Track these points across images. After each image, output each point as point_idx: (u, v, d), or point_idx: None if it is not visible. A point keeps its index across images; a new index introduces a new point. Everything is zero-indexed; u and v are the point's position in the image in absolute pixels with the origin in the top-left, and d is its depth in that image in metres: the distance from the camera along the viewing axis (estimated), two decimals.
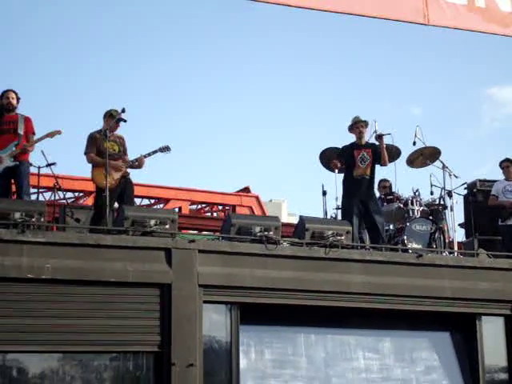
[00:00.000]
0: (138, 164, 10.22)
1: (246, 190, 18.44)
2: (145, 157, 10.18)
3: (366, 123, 10.81)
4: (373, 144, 10.87)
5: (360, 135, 10.78)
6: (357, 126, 10.79)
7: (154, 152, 10.19)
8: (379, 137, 10.79)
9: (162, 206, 16.96)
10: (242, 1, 13.10)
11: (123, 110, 9.91)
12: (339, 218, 11.13)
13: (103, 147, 9.86)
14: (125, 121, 10.10)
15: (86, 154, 10.07)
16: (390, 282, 9.55)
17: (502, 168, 11.73)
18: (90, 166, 10.01)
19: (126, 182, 10.09)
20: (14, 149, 9.76)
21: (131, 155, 10.25)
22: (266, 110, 52.82)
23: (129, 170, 10.17)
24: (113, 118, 10.07)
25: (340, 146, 11.32)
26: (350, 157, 10.77)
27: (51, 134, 9.85)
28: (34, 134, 9.91)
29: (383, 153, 10.72)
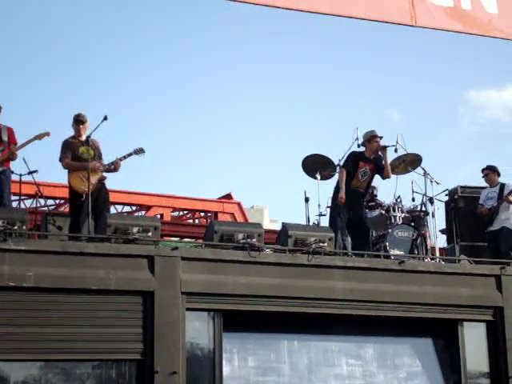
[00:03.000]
0: (114, 167, 10.15)
1: (228, 196, 18.43)
2: (120, 160, 10.13)
3: (381, 138, 10.92)
4: (377, 158, 10.94)
5: (375, 149, 10.83)
6: (375, 140, 10.84)
7: (129, 155, 10.15)
8: (383, 148, 10.85)
9: (143, 212, 16.92)
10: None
11: (105, 118, 9.90)
12: (322, 224, 11.17)
13: (78, 152, 9.87)
14: (83, 122, 10.07)
15: (60, 160, 10.01)
16: (373, 288, 9.58)
17: (483, 176, 11.77)
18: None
19: (100, 189, 10.00)
20: None
21: (110, 160, 10.24)
22: (247, 117, 52.86)
23: (105, 175, 10.11)
24: (76, 124, 10.06)
25: (321, 153, 11.39)
26: (354, 166, 10.82)
27: (40, 137, 9.82)
28: (16, 144, 9.87)
29: (386, 165, 10.82)
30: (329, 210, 11.36)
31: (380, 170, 10.87)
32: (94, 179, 9.86)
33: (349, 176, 10.81)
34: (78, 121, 10.08)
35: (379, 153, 10.94)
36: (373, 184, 11.89)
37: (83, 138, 10.06)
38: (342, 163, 11.23)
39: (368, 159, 10.90)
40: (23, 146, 9.84)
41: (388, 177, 10.96)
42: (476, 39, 11.56)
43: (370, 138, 10.93)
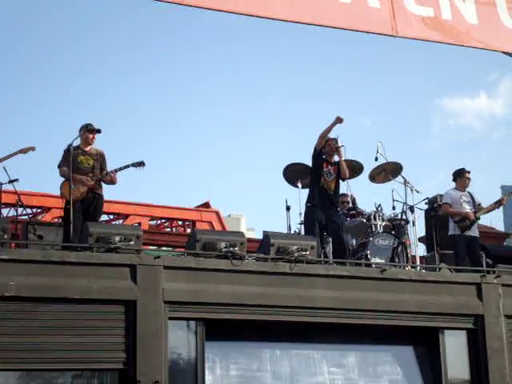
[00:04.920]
0: (109, 179, 10.17)
1: (206, 205, 18.43)
2: (116, 171, 10.14)
3: (335, 140, 10.90)
4: (337, 162, 10.96)
5: (331, 152, 10.85)
6: (328, 143, 10.87)
7: (126, 167, 10.15)
8: (336, 149, 10.86)
9: (121, 221, 16.88)
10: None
11: (99, 131, 10.10)
12: (303, 233, 11.17)
13: (77, 161, 9.92)
14: (99, 131, 10.15)
15: (59, 167, 10.07)
16: (354, 296, 9.59)
17: (462, 177, 11.62)
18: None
19: (94, 197, 10.04)
20: None
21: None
22: (224, 125, 53.01)
23: (100, 185, 10.15)
24: (88, 131, 10.11)
25: (302, 162, 11.41)
26: (319, 165, 10.84)
27: (24, 151, 9.80)
28: None
29: (342, 165, 10.83)
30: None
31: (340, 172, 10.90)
32: (83, 189, 9.91)
33: (317, 176, 10.83)
34: (91, 130, 10.11)
35: (336, 155, 10.95)
36: (352, 193, 11.95)
37: (88, 147, 10.08)
38: None
39: (330, 162, 10.93)
40: (6, 158, 9.80)
41: (344, 176, 10.93)
42: (449, 48, 11.66)
43: (324, 142, 10.93)
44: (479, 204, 11.53)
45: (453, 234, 11.39)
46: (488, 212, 11.58)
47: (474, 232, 11.36)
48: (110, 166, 10.28)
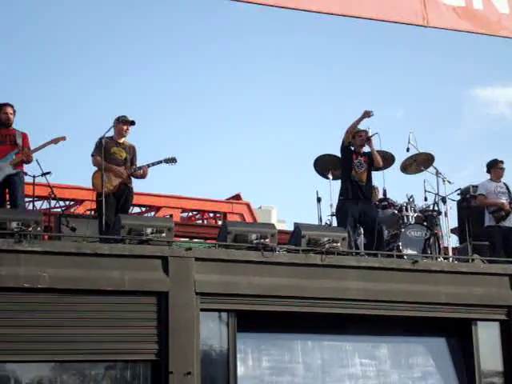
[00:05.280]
0: (141, 173, 10.21)
1: (237, 197, 18.43)
2: (148, 166, 10.19)
3: (365, 132, 10.88)
4: (367, 152, 10.94)
5: (361, 143, 10.84)
6: (359, 134, 10.85)
7: (159, 162, 10.22)
8: (367, 139, 10.84)
9: (153, 213, 16.94)
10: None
11: (133, 123, 10.16)
12: (334, 224, 11.14)
13: (110, 152, 9.94)
14: (133, 123, 10.18)
15: (92, 155, 10.10)
16: (386, 288, 9.57)
17: (496, 168, 11.61)
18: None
19: (126, 189, 10.06)
20: (14, 157, 9.75)
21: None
22: (255, 117, 52.83)
23: (133, 179, 10.20)
24: (122, 123, 10.13)
25: (333, 153, 11.37)
26: (349, 159, 10.83)
27: (55, 141, 9.86)
28: (29, 148, 9.91)
29: (373, 154, 10.81)
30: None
31: (372, 162, 10.89)
32: (116, 181, 9.94)
33: (348, 169, 10.84)
34: (125, 122, 10.14)
35: (366, 145, 10.94)
36: (384, 184, 11.89)
37: (121, 139, 10.14)
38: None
39: (359, 153, 10.92)
40: (39, 149, 9.88)
41: (378, 165, 10.94)
42: (481, 36, 11.57)
43: (354, 133, 10.91)
44: None
45: (488, 225, 11.38)
46: None
47: (510, 223, 11.30)
48: (140, 160, 10.35)
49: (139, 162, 10.29)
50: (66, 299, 8.30)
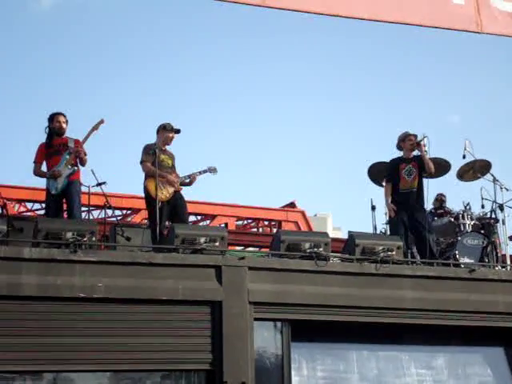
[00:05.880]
0: (189, 182, 10.28)
1: (292, 204, 18.42)
2: (196, 175, 10.29)
3: (415, 136, 10.75)
4: (417, 156, 10.79)
5: (411, 148, 10.71)
6: (409, 138, 10.73)
7: (204, 171, 10.35)
8: (418, 144, 10.71)
9: (208, 222, 17.01)
10: None
11: (178, 131, 10.12)
12: (388, 233, 11.04)
13: (159, 159, 9.90)
14: (179, 131, 10.19)
15: (141, 162, 10.07)
16: (442, 297, 9.45)
17: None
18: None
19: (178, 197, 10.07)
20: (67, 157, 9.86)
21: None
22: (311, 123, 52.80)
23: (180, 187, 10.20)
24: (167, 131, 10.14)
25: (386, 160, 11.28)
26: (395, 170, 10.72)
27: (96, 127, 9.92)
28: (85, 154, 10.00)
29: (425, 159, 10.63)
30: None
31: (423, 166, 10.69)
32: (171, 189, 9.98)
33: (395, 182, 10.69)
34: (171, 130, 10.16)
35: (416, 150, 10.76)
36: (441, 191, 11.74)
37: (164, 147, 10.18)
38: None
39: (407, 159, 10.76)
40: (85, 139, 9.95)
41: (430, 171, 10.67)
42: None
43: (404, 138, 10.80)
44: None
45: None
46: None
47: None
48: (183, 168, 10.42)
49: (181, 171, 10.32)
50: (120, 309, 8.34)
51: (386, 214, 11.26)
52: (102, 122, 9.95)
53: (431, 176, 10.92)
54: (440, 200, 12.14)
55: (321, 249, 9.17)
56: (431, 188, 11.64)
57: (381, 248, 9.39)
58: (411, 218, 10.49)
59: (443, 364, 9.66)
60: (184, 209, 10.14)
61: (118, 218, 14.94)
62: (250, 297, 8.71)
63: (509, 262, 11.17)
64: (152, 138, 10.27)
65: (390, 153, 11.02)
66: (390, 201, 10.68)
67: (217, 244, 8.91)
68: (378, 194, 11.50)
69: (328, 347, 9.26)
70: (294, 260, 9.12)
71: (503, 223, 11.35)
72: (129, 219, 15.84)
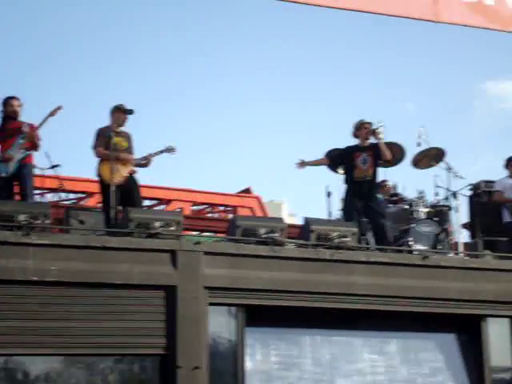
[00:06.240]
0: (145, 163, 10.13)
1: (247, 190, 18.40)
2: (151, 156, 10.10)
3: (370, 124, 10.75)
4: (373, 144, 10.80)
5: (366, 136, 10.72)
6: (364, 126, 10.74)
7: (161, 152, 10.11)
8: (373, 132, 10.70)
9: (163, 207, 16.93)
10: None
11: (131, 112, 9.93)
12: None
13: (112, 141, 9.70)
14: (131, 112, 9.97)
15: (93, 148, 9.91)
16: (396, 283, 9.52)
17: (508, 164, 11.63)
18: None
19: (131, 181, 9.93)
20: (21, 141, 9.73)
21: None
22: (266, 111, 52.81)
23: (135, 169, 10.05)
24: (120, 112, 9.99)
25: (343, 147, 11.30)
26: (350, 159, 10.74)
27: (53, 113, 9.78)
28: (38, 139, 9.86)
29: (381, 147, 10.61)
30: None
31: (380, 154, 10.69)
32: (124, 171, 9.81)
33: (350, 170, 10.73)
34: (124, 110, 9.96)
35: (372, 138, 10.76)
36: (394, 179, 11.82)
37: (118, 128, 9.99)
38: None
39: (363, 147, 10.75)
40: (41, 125, 9.81)
41: (386, 158, 10.67)
42: (491, 31, 11.50)
43: (359, 126, 10.79)
44: None
45: (507, 222, 11.40)
46: None
47: None
48: (141, 149, 10.24)
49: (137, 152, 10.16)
50: (74, 292, 8.27)
51: (341, 200, 11.30)
52: (59, 108, 9.80)
53: (388, 163, 10.97)
54: (387, 186, 12.16)
55: (276, 234, 9.18)
56: (387, 176, 11.78)
57: (336, 234, 9.43)
58: (366, 205, 10.53)
59: (396, 349, 9.75)
60: (137, 192, 10.02)
61: (72, 201, 14.80)
62: (204, 282, 8.69)
63: (461, 249, 11.30)
64: (107, 121, 10.14)
65: (345, 140, 11.02)
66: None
67: (172, 228, 8.86)
68: (334, 181, 11.54)
69: (282, 332, 9.28)
70: (249, 245, 9.11)
71: (456, 211, 11.47)
72: (82, 203, 15.69)
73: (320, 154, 11.44)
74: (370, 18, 10.94)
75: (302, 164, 10.93)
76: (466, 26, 11.01)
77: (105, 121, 10.08)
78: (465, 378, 9.83)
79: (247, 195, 18.02)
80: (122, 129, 10.07)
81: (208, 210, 18.37)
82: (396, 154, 11.21)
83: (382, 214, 10.63)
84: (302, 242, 9.52)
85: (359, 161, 10.64)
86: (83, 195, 15.86)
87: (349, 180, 10.73)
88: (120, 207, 9.58)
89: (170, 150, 10.15)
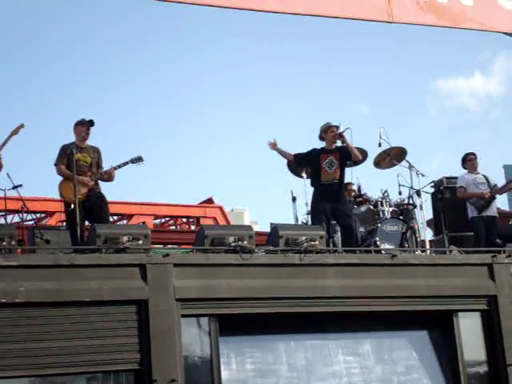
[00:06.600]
0: (107, 176, 9.98)
1: (210, 200, 18.39)
2: (115, 168, 9.93)
3: (337, 127, 10.81)
4: (339, 147, 10.84)
5: (333, 139, 10.76)
6: (331, 129, 10.77)
7: (125, 163, 9.95)
8: (340, 136, 10.75)
9: (125, 221, 16.82)
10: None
11: (91, 123, 9.81)
12: (310, 223, 11.10)
13: (74, 158, 9.60)
14: (92, 123, 9.84)
15: (55, 165, 9.85)
16: (366, 283, 9.54)
17: (467, 161, 11.81)
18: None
19: (94, 197, 9.84)
20: None
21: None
22: (223, 119, 52.94)
23: (100, 183, 9.98)
24: (80, 125, 9.88)
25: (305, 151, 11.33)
26: (316, 162, 10.75)
27: (15, 132, 9.65)
28: None
29: (351, 148, 10.66)
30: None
31: (347, 156, 10.75)
32: (83, 190, 9.72)
33: (316, 174, 10.76)
34: (83, 123, 9.87)
35: (339, 141, 10.82)
36: (357, 180, 11.87)
37: (84, 144, 9.89)
38: None
39: (329, 150, 10.80)
40: (3, 145, 9.67)
41: (356, 158, 10.76)
42: (440, 29, 11.60)
43: (326, 129, 10.85)
44: (495, 185, 11.74)
45: (472, 217, 11.53)
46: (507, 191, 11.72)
47: (492, 212, 11.52)
48: (108, 163, 10.12)
49: (108, 164, 10.07)
50: (44, 312, 8.18)
51: (306, 204, 11.33)
52: (21, 126, 9.69)
53: (354, 164, 11.03)
54: (352, 189, 12.21)
55: (245, 242, 9.15)
56: (349, 177, 11.79)
57: (304, 238, 9.43)
58: (334, 208, 10.56)
59: (369, 350, 9.76)
60: (101, 208, 9.91)
61: (34, 221, 14.66)
62: (176, 294, 8.64)
63: (428, 246, 11.38)
64: (71, 138, 10.04)
65: (303, 145, 11.05)
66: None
67: (140, 242, 8.80)
68: (298, 185, 11.56)
69: (256, 339, 9.25)
70: (218, 254, 9.08)
71: (421, 208, 11.56)
72: (43, 222, 15.55)
73: (281, 160, 11.46)
74: (320, 21, 10.95)
75: (274, 145, 10.92)
76: (419, 24, 11.08)
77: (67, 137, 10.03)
78: (440, 374, 9.87)
79: (210, 205, 18.01)
80: (88, 143, 9.96)
81: (171, 222, 18.32)
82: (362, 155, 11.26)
83: (350, 215, 10.68)
84: (271, 248, 9.51)
85: (325, 163, 10.67)
86: (44, 215, 15.74)
87: (316, 183, 10.74)
88: (86, 223, 9.49)
89: (136, 160, 9.97)
